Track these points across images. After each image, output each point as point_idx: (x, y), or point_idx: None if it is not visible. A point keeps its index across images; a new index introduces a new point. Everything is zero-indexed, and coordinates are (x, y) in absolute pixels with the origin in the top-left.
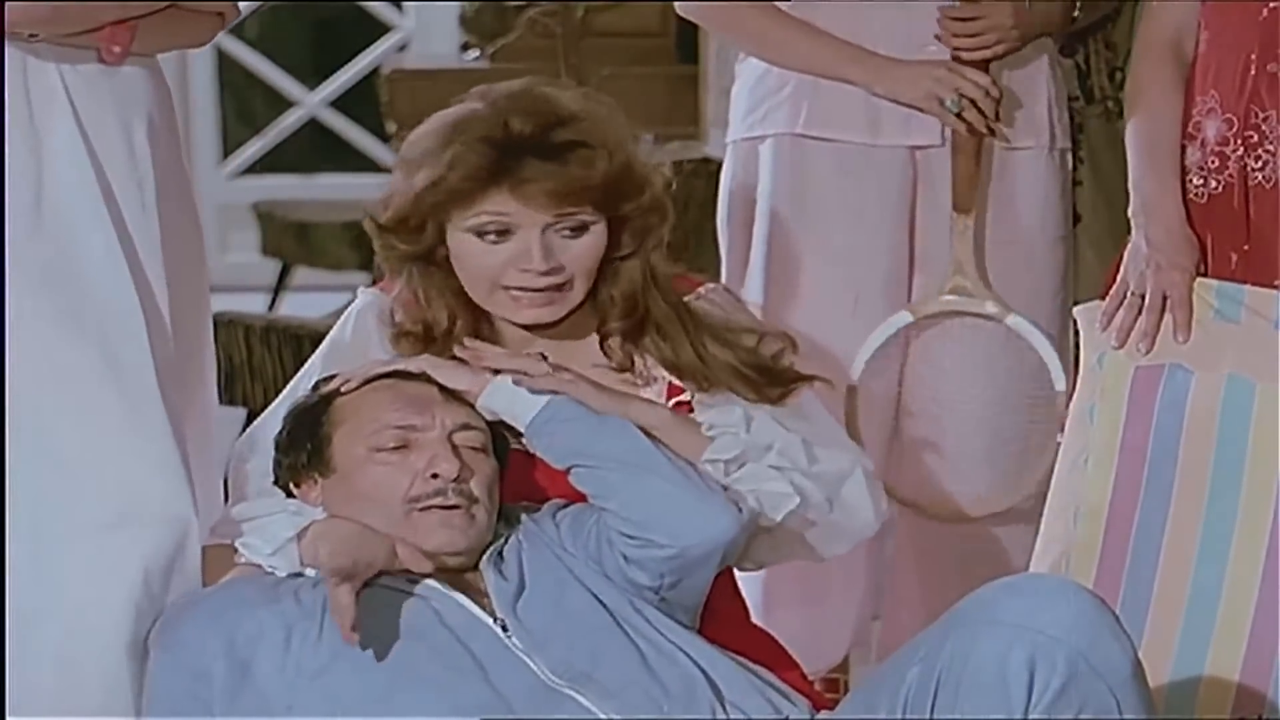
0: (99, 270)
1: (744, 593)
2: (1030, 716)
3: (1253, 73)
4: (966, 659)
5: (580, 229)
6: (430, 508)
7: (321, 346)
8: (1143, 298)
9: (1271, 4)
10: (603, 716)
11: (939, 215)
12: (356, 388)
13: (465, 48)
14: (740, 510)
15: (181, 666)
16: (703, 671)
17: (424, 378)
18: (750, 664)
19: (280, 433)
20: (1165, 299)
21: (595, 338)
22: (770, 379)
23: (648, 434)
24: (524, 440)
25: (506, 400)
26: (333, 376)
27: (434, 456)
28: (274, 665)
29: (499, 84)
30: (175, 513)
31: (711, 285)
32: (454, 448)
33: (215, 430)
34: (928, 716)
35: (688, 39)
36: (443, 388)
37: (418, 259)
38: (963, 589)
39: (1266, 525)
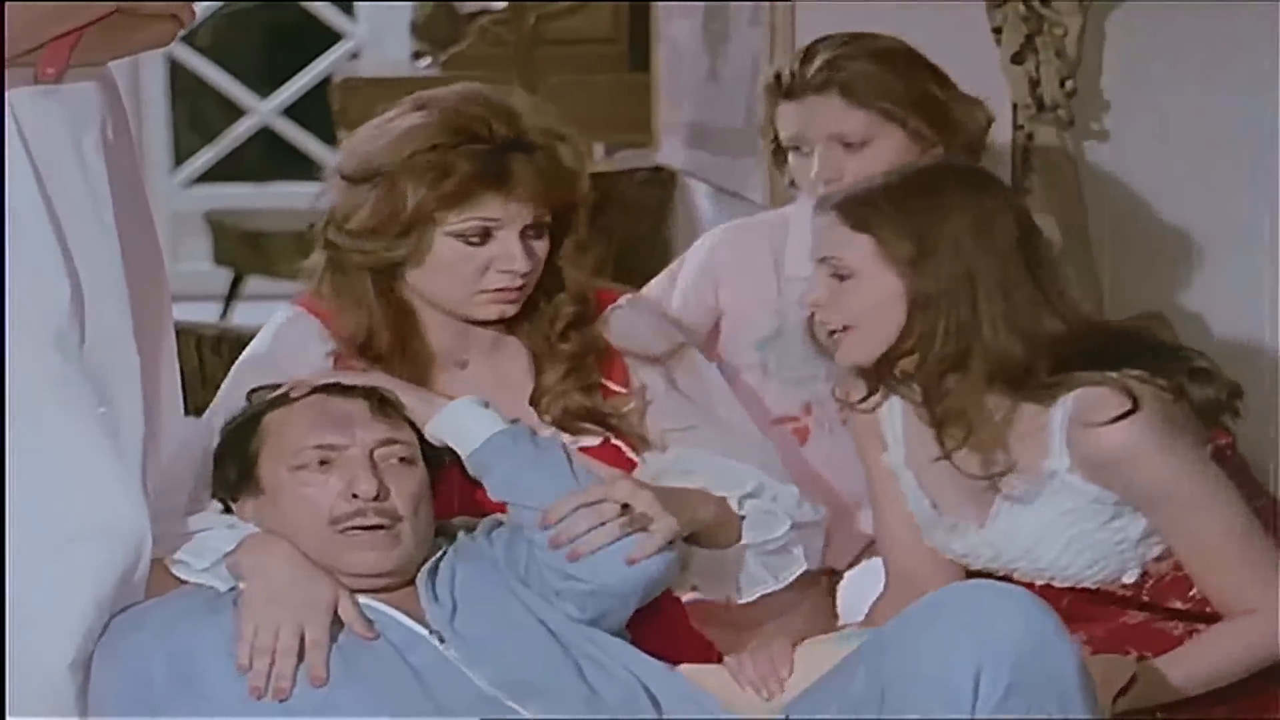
0: (53, 289)
1: None
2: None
3: None
4: (913, 665)
5: (541, 231)
6: (352, 529)
7: (240, 362)
8: None
9: None
10: None
11: None
12: (302, 396)
13: (417, 56)
14: (663, 552)
15: (122, 679)
16: (641, 684)
17: (359, 391)
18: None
19: (217, 447)
20: None
21: (516, 338)
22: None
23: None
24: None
25: (451, 430)
26: (271, 386)
27: (353, 477)
28: (223, 674)
29: (435, 91)
30: (130, 527)
31: (627, 297)
32: (374, 465)
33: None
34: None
35: (640, 47)
36: (373, 403)
37: (376, 268)
38: None
39: None
